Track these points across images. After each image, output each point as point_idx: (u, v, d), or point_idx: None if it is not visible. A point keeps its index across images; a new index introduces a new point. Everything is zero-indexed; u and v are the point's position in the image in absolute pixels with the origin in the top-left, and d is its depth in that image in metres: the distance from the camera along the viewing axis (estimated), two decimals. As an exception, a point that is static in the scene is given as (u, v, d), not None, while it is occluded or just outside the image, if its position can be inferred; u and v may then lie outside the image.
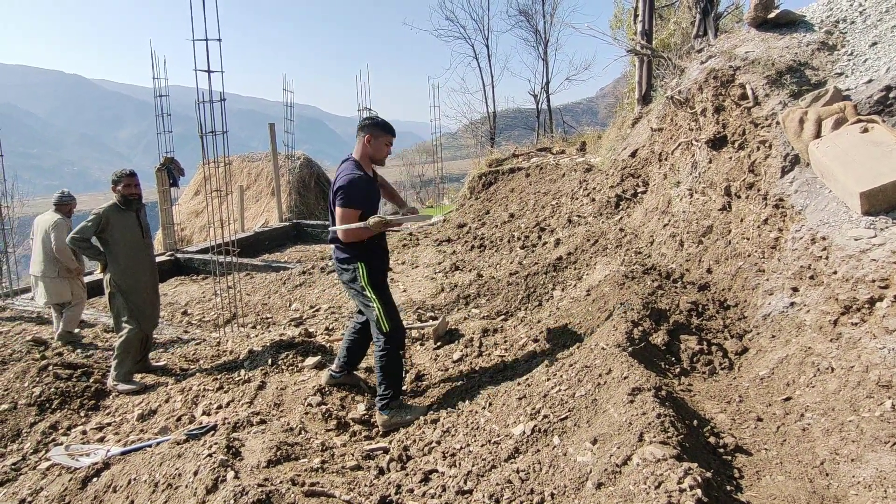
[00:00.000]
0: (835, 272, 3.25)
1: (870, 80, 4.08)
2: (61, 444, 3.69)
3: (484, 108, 22.28)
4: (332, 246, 3.56)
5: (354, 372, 3.93)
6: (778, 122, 4.19)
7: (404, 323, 4.04)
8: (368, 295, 3.39)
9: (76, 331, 5.60)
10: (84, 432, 3.84)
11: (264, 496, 2.29)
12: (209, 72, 5.38)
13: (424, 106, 14.53)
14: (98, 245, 4.40)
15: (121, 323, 4.49)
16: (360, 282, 3.40)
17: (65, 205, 5.68)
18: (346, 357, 3.78)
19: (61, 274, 5.38)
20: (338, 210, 3.29)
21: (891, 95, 3.90)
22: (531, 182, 9.33)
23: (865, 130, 3.62)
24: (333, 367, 3.84)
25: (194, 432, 3.21)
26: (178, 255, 9.50)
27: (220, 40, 5.32)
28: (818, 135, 3.84)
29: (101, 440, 3.70)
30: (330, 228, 3.51)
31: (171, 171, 9.59)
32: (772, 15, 4.98)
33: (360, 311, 3.76)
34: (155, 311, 4.69)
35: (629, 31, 12.45)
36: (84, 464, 3.19)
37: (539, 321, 4.59)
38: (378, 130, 3.42)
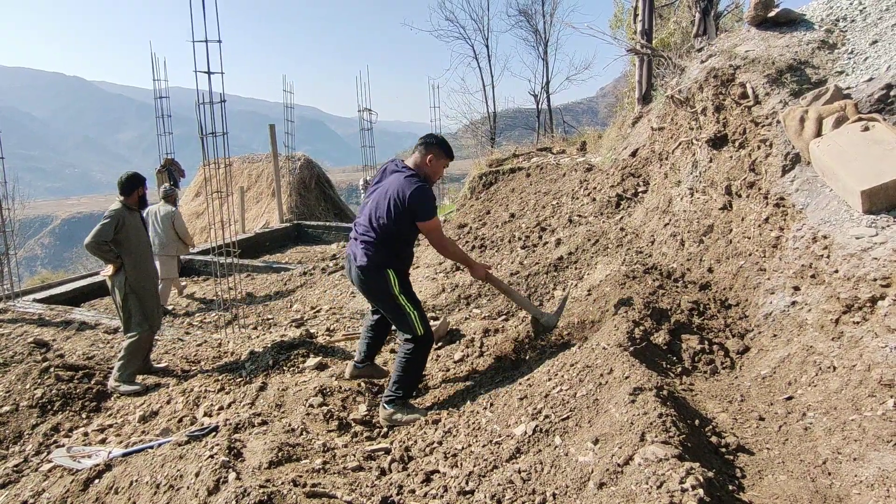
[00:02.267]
0: (836, 271, 3.24)
1: (870, 79, 4.07)
2: (63, 445, 3.69)
3: (484, 109, 22.30)
4: (357, 253, 3.42)
5: (375, 362, 4.01)
6: (778, 121, 4.19)
7: None
8: (401, 303, 3.37)
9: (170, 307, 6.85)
10: (86, 434, 3.84)
11: (266, 497, 2.29)
12: (209, 73, 5.38)
13: (425, 106, 14.54)
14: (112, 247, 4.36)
15: (132, 324, 4.46)
16: (391, 290, 3.36)
17: (171, 196, 6.91)
18: (366, 351, 3.90)
19: (169, 252, 6.68)
20: (425, 223, 3.32)
21: (891, 94, 3.89)
22: (532, 182, 9.33)
23: (866, 129, 3.62)
24: (356, 360, 3.95)
25: (196, 433, 3.21)
26: (179, 257, 9.50)
27: (220, 41, 5.33)
28: (819, 133, 3.83)
29: (103, 442, 3.70)
30: (357, 231, 3.45)
31: (171, 173, 9.61)
32: (772, 14, 4.97)
33: (373, 311, 3.79)
34: (161, 311, 4.71)
35: (629, 31, 12.45)
36: (86, 465, 3.19)
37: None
38: (442, 153, 3.46)
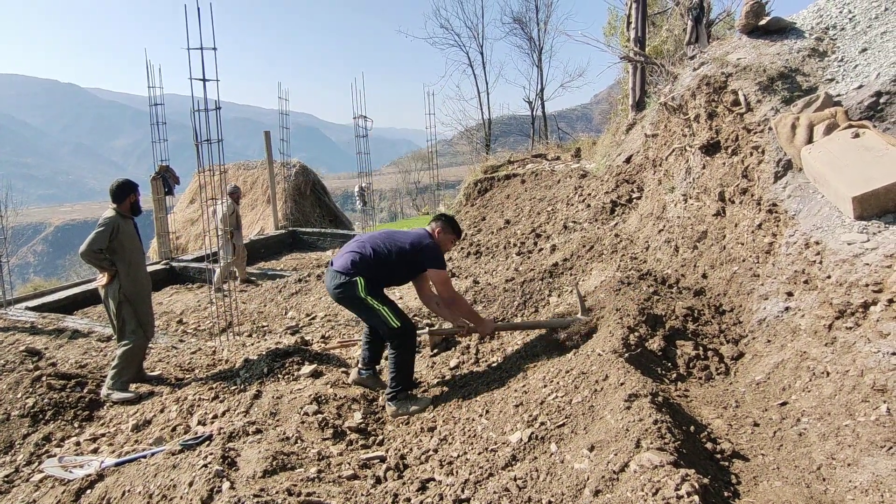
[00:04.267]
0: (829, 276, 3.27)
1: (860, 86, 4.12)
2: (54, 455, 3.65)
3: (479, 115, 22.40)
4: (337, 261, 3.77)
5: (378, 373, 4.14)
6: (770, 128, 4.23)
7: None
8: (369, 304, 3.64)
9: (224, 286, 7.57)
10: (78, 443, 3.80)
11: (260, 507, 2.27)
12: (204, 80, 5.39)
13: (420, 113, 14.58)
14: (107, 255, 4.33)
15: (126, 332, 4.43)
16: (357, 294, 3.62)
17: (234, 193, 8.32)
18: (368, 355, 4.05)
19: (225, 240, 8.00)
20: (438, 273, 3.74)
21: (881, 101, 3.94)
22: (527, 188, 9.36)
23: (857, 136, 3.65)
24: (360, 366, 4.10)
25: (189, 442, 3.18)
26: (173, 264, 9.46)
27: (214, 49, 5.34)
28: (810, 140, 3.87)
29: (95, 451, 3.66)
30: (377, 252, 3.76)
31: (166, 180, 9.58)
32: (763, 22, 5.03)
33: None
34: (153, 319, 4.68)
35: (622, 39, 12.56)
36: (77, 476, 3.16)
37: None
38: (449, 229, 3.94)
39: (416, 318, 5.40)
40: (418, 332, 4.30)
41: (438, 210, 13.99)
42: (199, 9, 5.17)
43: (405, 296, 6.32)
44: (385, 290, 3.83)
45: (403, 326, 3.66)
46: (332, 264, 3.78)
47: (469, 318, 3.92)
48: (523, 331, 4.39)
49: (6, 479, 3.44)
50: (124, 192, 4.39)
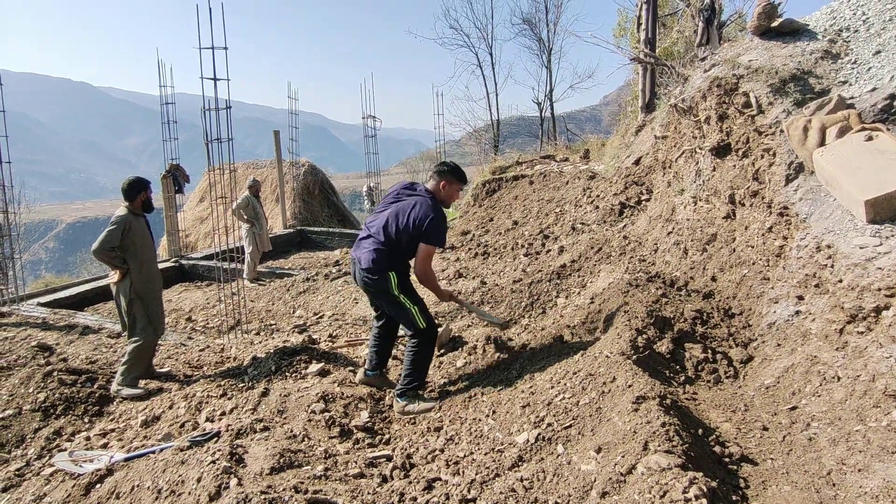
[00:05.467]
0: (840, 280, 3.23)
1: (874, 89, 4.08)
2: (65, 449, 3.69)
3: (488, 116, 22.39)
4: (362, 257, 3.65)
5: (385, 373, 4.13)
6: (782, 131, 4.19)
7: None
8: (401, 301, 3.63)
9: (249, 282, 8.38)
10: (88, 438, 3.84)
11: (267, 503, 2.29)
12: (215, 80, 5.43)
13: (428, 114, 14.57)
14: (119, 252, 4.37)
15: (136, 329, 4.47)
16: (391, 290, 3.60)
17: (252, 187, 8.73)
18: (376, 359, 4.03)
19: (243, 230, 8.60)
20: (426, 246, 3.56)
21: (895, 103, 3.90)
22: (535, 189, 9.34)
23: (870, 138, 3.62)
24: (367, 367, 4.09)
25: (198, 439, 3.21)
26: (183, 262, 9.53)
27: (226, 48, 5.37)
28: (822, 143, 3.83)
29: (105, 446, 3.70)
30: (364, 241, 3.70)
31: (176, 178, 9.66)
32: (775, 24, 4.99)
33: (377, 317, 4.03)
34: (164, 316, 4.72)
35: (632, 40, 12.50)
36: (87, 470, 3.19)
37: (543, 329, 4.58)
38: (454, 179, 3.74)
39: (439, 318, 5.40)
40: None
41: (447, 211, 13.99)
42: (210, 8, 5.21)
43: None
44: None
45: (428, 328, 3.67)
46: (358, 261, 3.66)
47: (433, 292, 3.84)
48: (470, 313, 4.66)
49: (17, 472, 3.49)
50: (136, 190, 4.43)
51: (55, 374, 4.42)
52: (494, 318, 4.33)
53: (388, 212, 3.69)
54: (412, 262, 3.71)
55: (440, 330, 4.75)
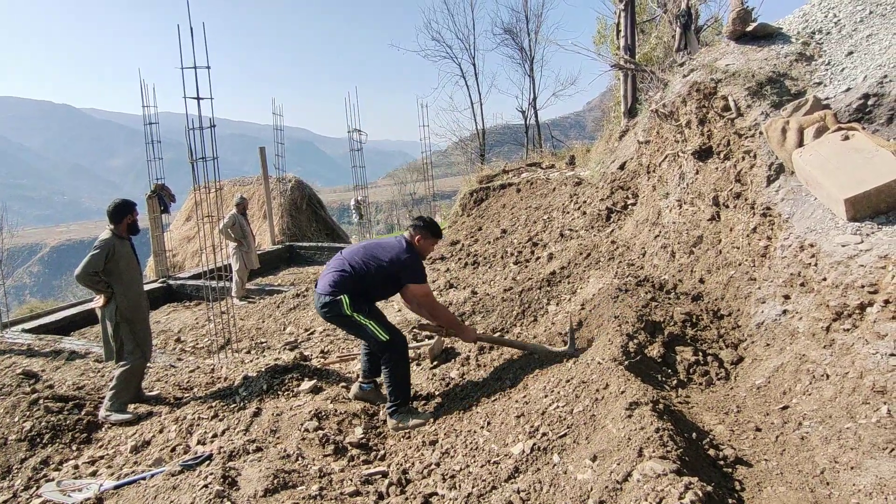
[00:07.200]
0: (824, 279, 3.28)
1: (848, 89, 4.16)
2: (52, 479, 3.61)
3: (473, 126, 22.49)
4: (321, 282, 3.74)
5: (380, 386, 4.08)
6: (761, 133, 4.26)
7: None
8: (356, 320, 3.63)
9: (238, 300, 8.40)
10: (76, 466, 3.76)
11: (261, 527, 2.25)
12: (198, 99, 5.41)
13: (414, 125, 14.61)
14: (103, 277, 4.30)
15: (124, 353, 4.39)
16: (343, 311, 3.61)
17: (239, 205, 8.57)
18: (368, 366, 4.01)
19: (231, 248, 8.46)
20: (419, 287, 3.67)
21: (869, 103, 3.99)
22: (522, 197, 9.39)
23: (846, 138, 3.69)
24: (361, 379, 4.07)
25: (189, 463, 3.15)
26: (170, 282, 9.42)
27: (208, 67, 5.36)
28: (801, 143, 3.90)
29: (94, 474, 3.63)
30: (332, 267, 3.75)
31: (161, 198, 9.58)
32: (749, 28, 5.09)
33: None
34: (151, 339, 4.65)
35: (612, 47, 12.67)
36: (76, 500, 3.13)
37: (535, 337, 4.58)
38: (429, 234, 3.81)
39: (415, 330, 5.38)
40: (415, 342, 4.27)
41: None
42: (191, 28, 5.20)
43: (404, 308, 6.30)
44: (381, 303, 3.82)
45: (393, 339, 3.65)
46: (316, 285, 3.78)
47: (452, 328, 3.89)
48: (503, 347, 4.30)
49: (4, 505, 3.41)
50: (122, 213, 4.37)
51: (41, 401, 4.34)
52: (541, 349, 3.96)
53: (363, 248, 3.78)
54: (404, 302, 3.84)
55: (432, 342, 4.73)
